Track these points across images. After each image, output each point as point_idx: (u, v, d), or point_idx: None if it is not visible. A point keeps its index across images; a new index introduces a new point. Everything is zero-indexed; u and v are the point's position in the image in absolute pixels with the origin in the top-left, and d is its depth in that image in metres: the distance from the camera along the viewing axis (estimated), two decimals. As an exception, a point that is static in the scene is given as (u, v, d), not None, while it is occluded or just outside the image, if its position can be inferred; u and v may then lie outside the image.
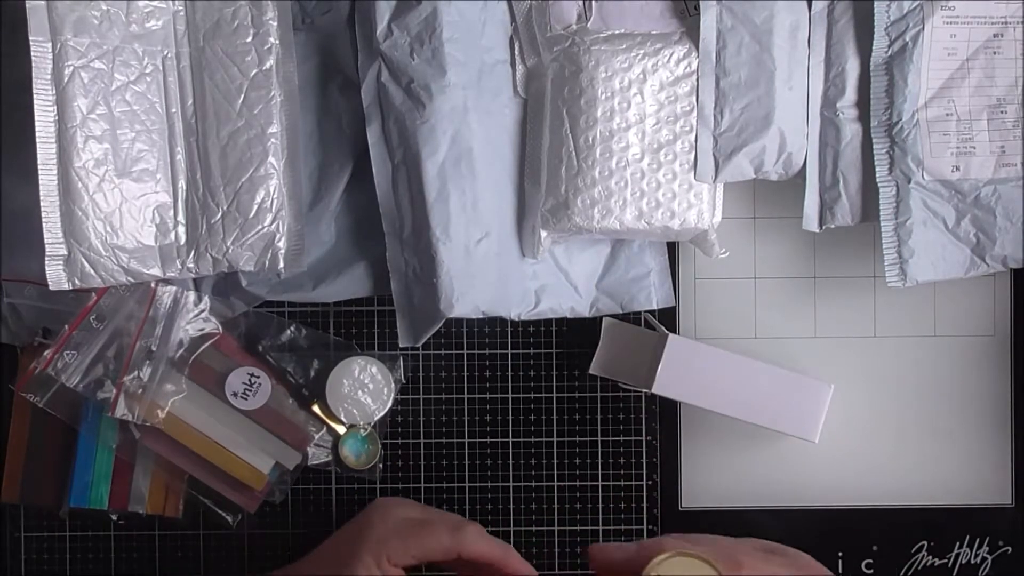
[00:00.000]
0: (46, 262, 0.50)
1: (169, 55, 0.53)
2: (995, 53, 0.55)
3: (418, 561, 0.53)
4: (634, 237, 0.58)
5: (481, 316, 0.56)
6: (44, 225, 0.50)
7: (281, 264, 0.55)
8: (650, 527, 0.61)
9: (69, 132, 0.50)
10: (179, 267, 0.54)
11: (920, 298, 0.61)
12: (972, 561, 0.61)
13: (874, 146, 0.54)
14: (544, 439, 0.61)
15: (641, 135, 0.55)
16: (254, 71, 0.54)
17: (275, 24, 0.54)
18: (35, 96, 0.50)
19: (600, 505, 0.61)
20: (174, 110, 0.54)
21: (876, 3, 0.53)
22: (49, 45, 0.50)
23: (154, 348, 0.56)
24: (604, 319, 0.59)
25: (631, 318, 0.60)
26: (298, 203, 0.55)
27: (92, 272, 0.51)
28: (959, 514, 0.61)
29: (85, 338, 0.56)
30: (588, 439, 0.61)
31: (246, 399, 0.58)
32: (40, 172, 0.50)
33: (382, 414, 0.59)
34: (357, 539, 0.53)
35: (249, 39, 0.54)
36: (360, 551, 0.52)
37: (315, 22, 0.56)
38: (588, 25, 0.55)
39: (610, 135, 0.54)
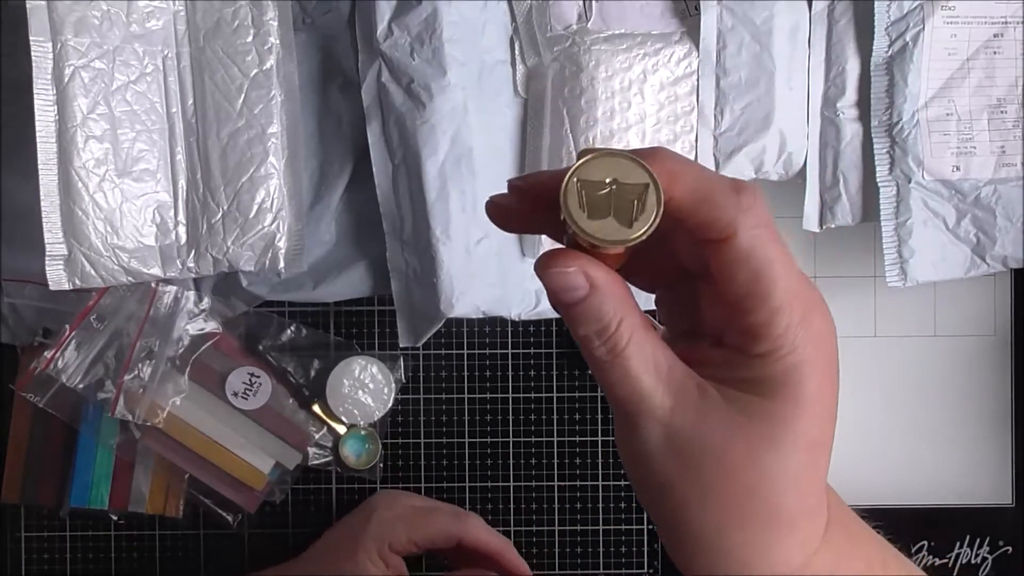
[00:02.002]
0: (46, 262, 0.50)
1: (169, 55, 0.53)
2: (995, 53, 0.55)
3: (420, 547, 0.53)
4: (634, 237, 0.58)
5: (481, 316, 0.56)
6: (44, 225, 0.50)
7: (281, 264, 0.55)
8: (650, 527, 0.61)
9: (69, 132, 0.50)
10: (179, 267, 0.54)
11: (920, 298, 0.61)
12: (972, 561, 0.61)
13: (874, 146, 0.54)
14: (544, 439, 0.61)
15: (641, 135, 0.55)
16: (254, 71, 0.54)
17: (275, 24, 0.54)
18: (35, 96, 0.49)
19: (600, 505, 0.61)
20: (174, 110, 0.54)
21: (876, 3, 0.53)
22: (49, 45, 0.50)
23: (154, 348, 0.56)
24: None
25: (631, 318, 0.60)
26: (298, 203, 0.55)
27: (92, 272, 0.51)
28: (959, 514, 0.61)
29: (85, 338, 0.56)
30: (588, 439, 0.61)
31: (246, 399, 0.58)
32: (40, 172, 0.50)
33: (382, 414, 0.59)
34: (360, 527, 0.54)
35: (249, 39, 0.54)
36: (363, 538, 0.53)
37: (315, 22, 0.56)
38: (588, 25, 0.55)
39: (610, 135, 0.54)
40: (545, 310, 0.58)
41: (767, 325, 0.26)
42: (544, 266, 0.27)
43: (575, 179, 0.26)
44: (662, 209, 0.25)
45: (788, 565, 0.27)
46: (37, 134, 0.50)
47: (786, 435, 0.26)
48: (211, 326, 0.58)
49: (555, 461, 0.61)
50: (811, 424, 0.27)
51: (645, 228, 0.26)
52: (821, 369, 0.27)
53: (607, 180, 0.26)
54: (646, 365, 0.26)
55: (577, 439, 0.61)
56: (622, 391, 0.27)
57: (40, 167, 0.50)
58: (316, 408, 0.59)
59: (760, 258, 0.26)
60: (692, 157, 0.55)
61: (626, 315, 0.27)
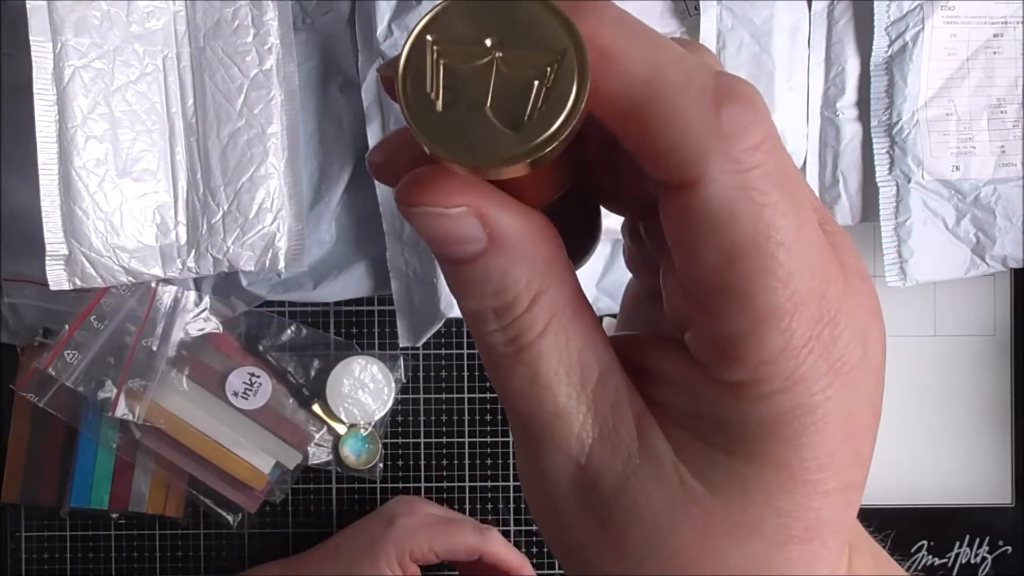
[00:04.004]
0: (47, 262, 0.50)
1: (169, 55, 0.53)
2: (995, 53, 0.55)
3: (440, 558, 0.53)
4: (634, 237, 0.58)
5: (481, 316, 0.56)
6: (44, 225, 0.50)
7: (281, 264, 0.55)
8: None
9: (70, 132, 0.50)
10: (180, 267, 0.54)
11: (920, 298, 0.61)
12: (972, 561, 0.61)
13: (874, 146, 0.55)
14: (544, 439, 0.61)
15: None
16: (254, 71, 0.54)
17: (275, 24, 0.54)
18: (36, 96, 0.50)
19: (600, 505, 0.61)
20: (174, 110, 0.54)
21: (876, 3, 0.53)
22: (50, 45, 0.50)
23: (154, 348, 0.56)
24: (604, 319, 0.59)
25: (631, 318, 0.60)
26: (299, 203, 0.55)
27: (93, 272, 0.51)
28: (959, 514, 0.61)
29: (86, 338, 0.56)
30: (588, 439, 0.61)
31: (247, 399, 0.58)
32: (41, 172, 0.50)
33: (382, 414, 0.59)
34: (381, 531, 0.53)
35: (249, 39, 0.54)
36: (384, 542, 0.52)
37: (315, 22, 0.56)
38: (588, 25, 0.55)
39: (610, 135, 0.54)
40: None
41: (746, 340, 0.16)
42: (409, 198, 0.16)
43: (427, 37, 0.15)
44: (585, 100, 0.14)
45: None
46: (37, 134, 0.50)
47: (766, 521, 0.16)
48: (211, 326, 0.58)
49: (555, 461, 0.61)
50: (810, 502, 0.16)
51: (548, 134, 0.14)
52: (842, 418, 0.16)
53: (487, 41, 0.15)
54: (567, 369, 0.17)
55: (577, 439, 0.61)
56: (525, 404, 0.17)
57: (40, 167, 0.50)
58: (316, 408, 0.59)
59: (744, 227, 0.15)
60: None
61: (546, 287, 0.17)
